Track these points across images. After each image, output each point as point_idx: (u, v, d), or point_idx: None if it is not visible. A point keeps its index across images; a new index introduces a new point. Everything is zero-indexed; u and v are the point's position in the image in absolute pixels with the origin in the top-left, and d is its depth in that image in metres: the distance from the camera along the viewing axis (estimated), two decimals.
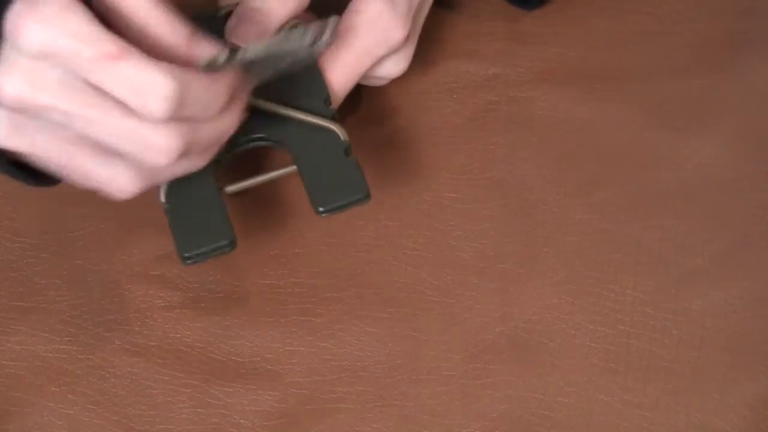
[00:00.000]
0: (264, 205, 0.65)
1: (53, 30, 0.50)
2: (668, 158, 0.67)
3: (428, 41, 0.68)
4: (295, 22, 0.61)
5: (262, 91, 0.59)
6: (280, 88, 0.60)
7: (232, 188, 0.59)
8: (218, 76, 0.54)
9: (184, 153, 0.53)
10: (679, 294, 0.63)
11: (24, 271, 0.63)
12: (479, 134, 0.67)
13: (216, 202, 0.58)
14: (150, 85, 0.51)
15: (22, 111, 0.51)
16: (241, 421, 0.59)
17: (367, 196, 0.58)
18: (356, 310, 0.62)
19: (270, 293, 0.62)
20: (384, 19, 0.61)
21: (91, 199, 0.64)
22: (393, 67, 0.63)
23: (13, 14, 0.50)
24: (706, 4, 0.71)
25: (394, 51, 0.62)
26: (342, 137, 0.59)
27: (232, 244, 0.57)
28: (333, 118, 0.60)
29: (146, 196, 0.64)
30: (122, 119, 0.52)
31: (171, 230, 0.57)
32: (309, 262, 0.63)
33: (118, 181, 0.54)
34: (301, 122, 0.60)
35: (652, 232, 0.65)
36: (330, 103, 0.60)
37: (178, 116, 0.52)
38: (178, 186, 0.58)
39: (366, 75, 0.62)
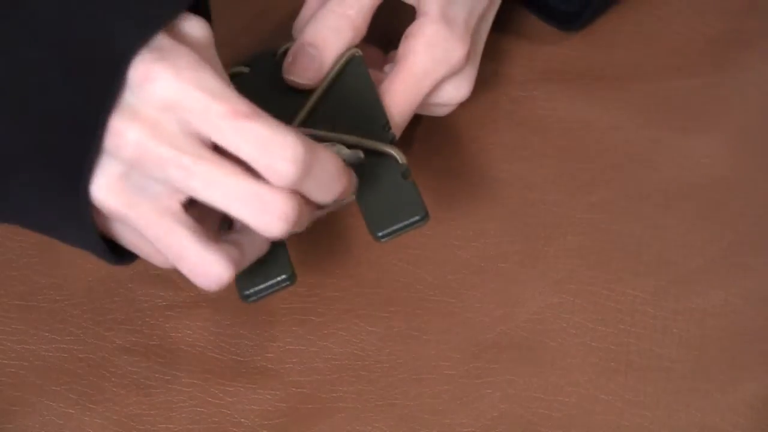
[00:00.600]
0: None
1: (186, 82, 0.48)
2: (668, 157, 0.67)
3: None
4: (352, 51, 0.60)
5: (319, 118, 0.59)
6: (338, 115, 0.60)
7: None
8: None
9: (292, 227, 0.51)
10: (679, 293, 0.63)
11: (25, 270, 0.63)
12: (480, 133, 0.67)
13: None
14: (281, 147, 0.49)
15: (136, 164, 0.49)
16: (242, 420, 0.59)
17: (424, 217, 0.57)
18: (357, 309, 0.62)
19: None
20: (441, 39, 0.60)
21: None
22: (454, 92, 0.62)
23: (142, 62, 0.48)
24: (706, 3, 0.71)
25: (454, 72, 0.61)
26: (400, 160, 0.58)
27: (292, 278, 0.56)
28: (392, 142, 0.59)
29: None
30: (243, 179, 0.50)
31: None
32: (309, 261, 0.63)
33: (214, 268, 0.51)
34: (359, 148, 0.58)
35: (653, 231, 0.65)
36: (389, 128, 0.59)
37: (299, 184, 0.50)
38: None
39: (427, 102, 0.61)
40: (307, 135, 0.53)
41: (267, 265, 0.56)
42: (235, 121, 0.49)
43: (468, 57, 0.61)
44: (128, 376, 0.60)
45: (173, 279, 0.63)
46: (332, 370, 0.61)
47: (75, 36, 0.48)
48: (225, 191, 0.49)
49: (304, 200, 0.52)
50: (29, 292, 0.62)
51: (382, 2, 0.61)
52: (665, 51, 0.70)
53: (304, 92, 0.60)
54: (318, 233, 0.64)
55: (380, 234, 0.57)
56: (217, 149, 0.50)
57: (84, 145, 0.48)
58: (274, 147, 0.49)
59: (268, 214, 0.50)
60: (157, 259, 0.53)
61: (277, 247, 0.56)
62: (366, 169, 0.57)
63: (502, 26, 0.69)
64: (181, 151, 0.49)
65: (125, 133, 0.48)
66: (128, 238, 0.52)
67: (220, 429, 0.59)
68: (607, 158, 0.67)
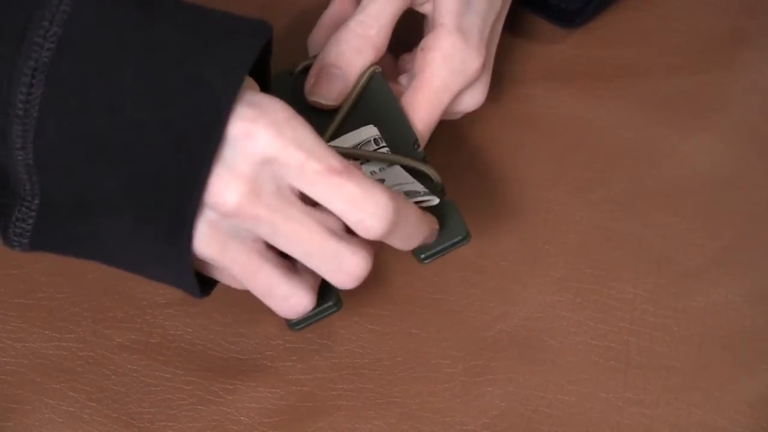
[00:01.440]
0: None
1: (285, 140, 0.50)
2: (669, 155, 0.67)
3: None
4: (373, 68, 0.61)
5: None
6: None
7: None
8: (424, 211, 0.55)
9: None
10: (679, 291, 0.63)
11: (25, 269, 0.63)
12: (480, 131, 0.67)
13: None
14: (371, 204, 0.51)
15: (231, 218, 0.51)
16: (242, 418, 0.59)
17: (467, 237, 0.58)
18: (357, 307, 0.62)
19: None
20: (458, 51, 0.60)
21: None
22: (470, 100, 0.63)
23: (241, 120, 0.49)
24: (707, 1, 0.71)
25: (471, 83, 0.62)
26: (435, 179, 0.59)
27: (338, 305, 0.56)
28: (424, 160, 0.59)
29: None
30: (325, 239, 0.52)
31: None
32: None
33: (299, 300, 0.54)
34: (393, 166, 0.59)
35: (653, 229, 0.65)
36: (419, 146, 0.60)
37: (385, 238, 0.52)
38: None
39: (445, 111, 0.62)
40: (342, 153, 0.54)
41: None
42: (329, 178, 0.50)
43: (483, 66, 0.61)
44: (128, 374, 0.60)
45: None
46: (332, 368, 0.61)
47: (173, 91, 0.49)
48: (306, 249, 0.52)
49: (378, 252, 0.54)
50: (29, 291, 0.62)
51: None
52: (666, 50, 0.70)
53: (327, 111, 0.60)
54: None
55: (424, 256, 0.57)
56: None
57: (188, 199, 0.49)
58: (364, 204, 0.51)
59: (343, 273, 0.52)
60: (241, 287, 0.55)
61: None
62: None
63: (503, 25, 0.69)
64: (274, 213, 0.50)
65: (225, 193, 0.50)
66: (217, 276, 0.55)
67: (220, 427, 0.59)
68: (607, 157, 0.67)
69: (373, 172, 0.58)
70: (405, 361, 0.61)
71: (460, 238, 0.58)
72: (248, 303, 0.62)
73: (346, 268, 0.52)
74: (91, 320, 0.62)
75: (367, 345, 0.61)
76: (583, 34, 0.70)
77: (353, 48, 0.60)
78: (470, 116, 0.67)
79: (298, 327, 0.56)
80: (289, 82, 0.61)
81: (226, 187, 0.50)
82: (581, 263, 0.64)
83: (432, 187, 0.58)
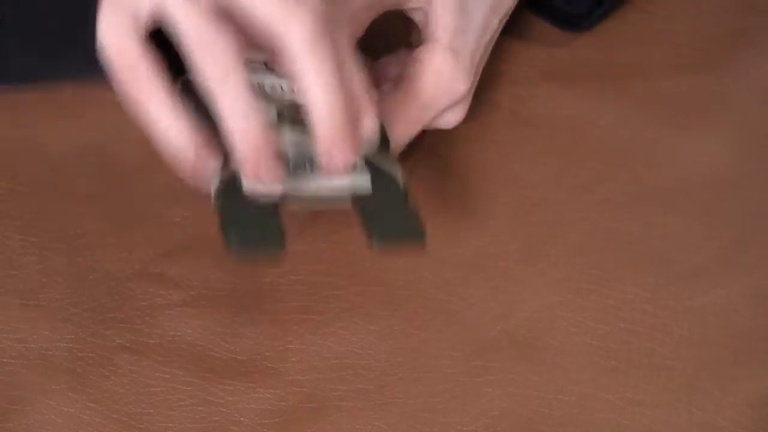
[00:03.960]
0: None
1: None
2: (669, 156, 0.67)
3: None
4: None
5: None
6: None
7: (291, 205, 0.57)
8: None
9: None
10: (680, 292, 0.63)
11: (25, 269, 0.63)
12: (481, 132, 0.67)
13: (273, 207, 0.56)
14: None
15: None
16: (242, 419, 0.59)
17: (422, 239, 0.57)
18: (357, 307, 0.62)
19: (270, 291, 0.62)
20: (449, 70, 0.60)
21: (93, 197, 0.64)
22: (449, 119, 0.62)
23: None
24: (707, 1, 0.71)
25: (455, 103, 0.61)
26: (400, 183, 0.58)
27: (282, 246, 0.55)
28: (390, 162, 0.58)
29: (147, 194, 0.65)
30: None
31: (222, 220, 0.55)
32: (309, 259, 0.63)
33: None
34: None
35: (653, 229, 0.65)
36: (388, 148, 0.59)
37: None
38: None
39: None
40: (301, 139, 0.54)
41: (262, 228, 0.55)
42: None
43: (469, 89, 0.61)
44: (128, 374, 0.60)
45: (173, 278, 0.63)
46: (332, 369, 0.61)
47: None
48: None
49: None
50: (29, 291, 0.62)
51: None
52: (666, 50, 0.70)
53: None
54: (317, 232, 0.64)
55: (377, 244, 0.56)
56: None
57: None
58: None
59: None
60: None
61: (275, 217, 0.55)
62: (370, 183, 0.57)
63: (503, 26, 0.69)
64: None
65: None
66: None
67: (219, 428, 0.59)
68: (607, 157, 0.67)
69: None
70: (405, 362, 0.61)
71: (416, 238, 0.57)
72: (249, 304, 0.62)
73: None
74: (91, 321, 0.62)
75: (367, 345, 0.61)
76: (583, 36, 0.70)
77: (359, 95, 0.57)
78: (470, 115, 0.67)
79: (236, 250, 0.54)
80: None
81: None
82: (581, 263, 0.64)
83: (398, 189, 0.57)
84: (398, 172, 0.58)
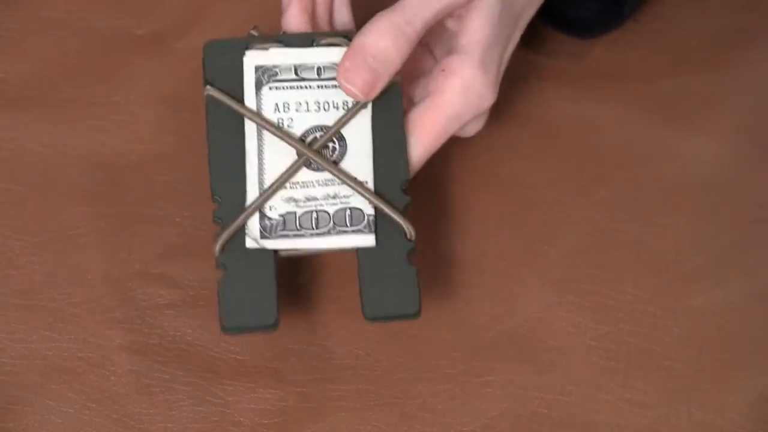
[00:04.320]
0: None
1: None
2: (668, 156, 0.67)
3: None
4: (397, 78, 0.58)
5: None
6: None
7: (285, 252, 0.57)
8: None
9: None
10: (679, 292, 0.63)
11: (24, 269, 0.63)
12: (480, 132, 0.67)
13: (270, 274, 0.56)
14: None
15: None
16: (241, 419, 0.59)
17: (416, 314, 0.56)
18: (356, 308, 0.62)
19: None
20: (479, 85, 0.58)
21: (92, 197, 0.64)
22: (470, 129, 0.61)
23: None
24: (707, 1, 0.71)
25: (478, 117, 0.60)
26: (408, 236, 0.56)
27: (275, 325, 0.55)
28: (405, 210, 0.57)
29: (147, 194, 0.65)
30: None
31: (219, 295, 0.55)
32: (309, 260, 0.63)
33: None
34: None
35: (653, 230, 0.65)
36: (406, 186, 0.57)
37: None
38: (237, 248, 0.56)
39: None
40: (319, 160, 0.55)
41: (256, 305, 0.55)
42: None
43: (493, 102, 0.60)
44: (128, 374, 0.60)
45: (173, 278, 0.63)
46: (332, 369, 0.61)
47: None
48: None
49: None
50: (29, 291, 0.62)
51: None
52: (666, 50, 0.70)
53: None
54: None
55: (370, 317, 0.56)
56: None
57: None
58: None
59: None
60: None
61: (270, 287, 0.55)
62: (375, 230, 0.56)
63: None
64: None
65: None
66: None
67: (219, 428, 0.59)
68: (607, 157, 0.67)
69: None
70: (404, 362, 0.61)
71: (410, 312, 0.56)
72: None
73: None
74: (91, 321, 0.62)
75: (367, 346, 0.61)
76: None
77: (396, 47, 0.57)
78: None
79: (229, 329, 0.55)
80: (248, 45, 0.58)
81: None
82: (581, 264, 0.64)
83: (404, 246, 0.56)
84: (409, 224, 0.57)
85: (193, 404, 0.60)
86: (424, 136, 0.58)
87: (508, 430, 0.59)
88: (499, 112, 0.67)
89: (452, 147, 0.67)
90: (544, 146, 0.67)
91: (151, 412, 0.60)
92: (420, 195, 0.65)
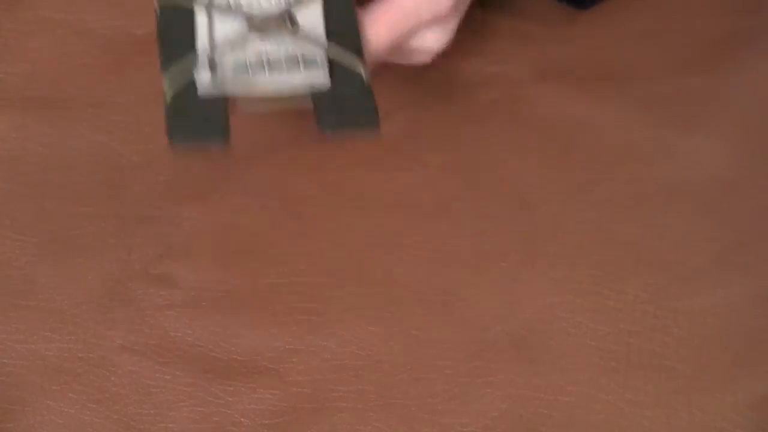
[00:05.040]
0: (264, 204, 0.65)
1: None
2: (668, 156, 0.67)
3: None
4: None
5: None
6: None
7: (242, 106, 0.58)
8: None
9: None
10: (680, 292, 0.63)
11: (25, 270, 0.63)
12: (480, 132, 0.67)
13: (221, 111, 0.56)
14: None
15: None
16: (242, 419, 0.59)
17: (376, 126, 0.57)
18: (357, 308, 0.62)
19: (271, 292, 0.62)
20: None
21: (92, 197, 0.64)
22: (434, 40, 0.62)
23: None
24: (706, 1, 0.71)
25: (438, 21, 0.60)
26: (364, 78, 0.57)
27: (226, 141, 0.56)
28: (358, 54, 0.58)
29: (147, 194, 0.65)
30: None
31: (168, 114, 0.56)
32: (310, 260, 0.63)
33: None
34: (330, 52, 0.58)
35: (653, 230, 0.65)
36: (361, 52, 0.58)
37: None
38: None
39: (407, 47, 0.61)
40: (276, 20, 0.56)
41: (205, 122, 0.56)
42: None
43: (454, 8, 0.61)
44: (128, 375, 0.60)
45: (173, 278, 0.63)
46: (332, 370, 0.61)
47: None
48: None
49: None
50: (29, 291, 0.62)
51: None
52: (665, 50, 0.70)
53: None
54: (317, 232, 0.64)
55: (327, 128, 0.57)
56: None
57: None
58: None
59: None
60: None
61: (216, 107, 0.56)
62: (330, 70, 0.57)
63: (502, 26, 0.69)
64: None
65: None
66: None
67: (220, 428, 0.59)
68: (607, 157, 0.67)
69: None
70: (405, 363, 0.61)
71: (369, 125, 0.57)
72: (249, 304, 0.62)
73: None
74: (91, 321, 0.62)
75: (367, 346, 0.61)
76: (582, 35, 0.70)
77: None
78: (470, 115, 0.67)
79: (177, 141, 0.56)
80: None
81: None
82: (581, 264, 0.64)
83: (355, 79, 0.58)
84: (362, 69, 0.58)
85: (193, 404, 0.60)
86: (377, 25, 0.59)
87: (508, 430, 0.60)
88: (499, 112, 0.68)
89: (451, 146, 0.67)
90: (544, 146, 0.67)
91: (151, 412, 0.59)
92: (421, 194, 0.65)
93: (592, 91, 0.68)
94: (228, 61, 0.57)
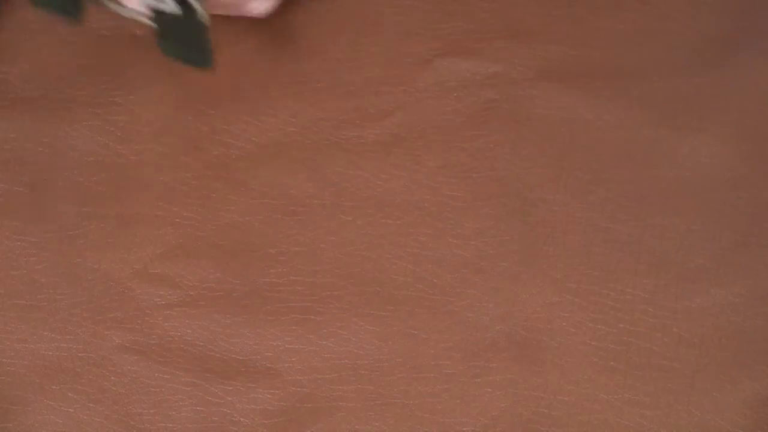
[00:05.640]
0: (264, 204, 0.65)
1: None
2: (668, 156, 0.67)
3: (429, 39, 0.68)
4: None
5: None
6: None
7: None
8: None
9: None
10: (679, 292, 0.63)
11: (24, 270, 0.63)
12: (480, 132, 0.67)
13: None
14: None
15: None
16: (241, 419, 0.59)
17: (208, 63, 0.59)
18: (356, 308, 0.62)
19: (270, 291, 0.62)
20: None
21: (92, 197, 0.64)
22: (258, 5, 0.64)
23: None
24: (706, 2, 0.71)
25: None
26: (201, 16, 0.60)
27: (78, 16, 0.58)
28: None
29: (147, 194, 0.65)
30: None
31: None
32: (309, 260, 0.63)
33: None
34: None
35: (653, 230, 0.65)
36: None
37: None
38: None
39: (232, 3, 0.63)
40: None
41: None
42: None
43: None
44: (128, 374, 0.60)
45: (173, 278, 0.63)
46: (332, 369, 0.61)
47: None
48: None
49: None
50: (29, 291, 0.62)
51: None
52: (665, 50, 0.70)
53: None
54: (317, 232, 0.64)
55: (166, 54, 0.60)
56: None
57: None
58: None
59: None
60: None
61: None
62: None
63: (501, 25, 0.69)
64: None
65: None
66: None
67: (219, 428, 0.59)
68: (607, 157, 0.67)
69: None
70: (404, 362, 0.61)
71: (202, 62, 0.60)
72: (248, 304, 0.62)
73: None
74: (90, 321, 0.62)
75: (367, 346, 0.61)
76: (582, 35, 0.70)
77: None
78: (469, 116, 0.67)
79: (38, 5, 0.58)
80: None
81: None
82: (581, 264, 0.64)
83: (197, 19, 0.60)
84: (201, 6, 0.60)
85: (193, 404, 0.60)
86: None
87: (508, 430, 0.59)
88: (499, 112, 0.67)
89: (450, 146, 0.67)
90: (544, 146, 0.67)
91: (151, 412, 0.60)
92: (420, 194, 0.65)
93: (591, 91, 0.68)
94: None
